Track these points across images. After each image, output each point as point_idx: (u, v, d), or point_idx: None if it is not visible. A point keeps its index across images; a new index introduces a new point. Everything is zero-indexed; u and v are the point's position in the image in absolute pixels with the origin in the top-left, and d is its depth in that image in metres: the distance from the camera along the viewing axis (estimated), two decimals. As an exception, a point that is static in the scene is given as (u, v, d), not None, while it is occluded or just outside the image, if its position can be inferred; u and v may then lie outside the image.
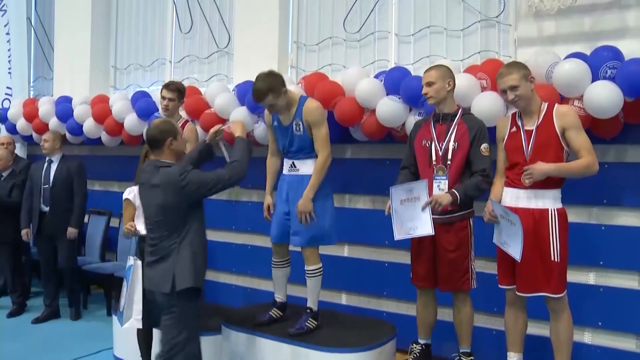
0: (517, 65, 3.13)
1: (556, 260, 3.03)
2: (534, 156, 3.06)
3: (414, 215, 3.20)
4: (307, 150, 3.58)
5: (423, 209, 3.18)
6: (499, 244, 3.18)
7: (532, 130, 3.10)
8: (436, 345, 3.59)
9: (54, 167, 5.20)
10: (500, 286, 3.25)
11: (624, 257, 3.60)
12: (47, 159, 5.25)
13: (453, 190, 3.23)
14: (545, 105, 3.13)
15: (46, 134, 5.35)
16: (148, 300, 3.37)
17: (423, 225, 3.17)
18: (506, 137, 3.22)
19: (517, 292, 3.15)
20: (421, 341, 3.53)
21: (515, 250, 3.03)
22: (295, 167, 3.62)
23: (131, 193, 3.66)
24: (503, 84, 3.10)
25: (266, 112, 3.74)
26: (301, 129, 3.53)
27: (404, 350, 3.76)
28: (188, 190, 3.01)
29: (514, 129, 3.19)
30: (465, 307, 3.36)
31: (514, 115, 3.24)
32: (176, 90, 4.21)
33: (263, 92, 3.41)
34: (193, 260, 3.06)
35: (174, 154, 3.18)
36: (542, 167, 2.99)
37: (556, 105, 3.16)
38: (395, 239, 3.31)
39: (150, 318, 3.52)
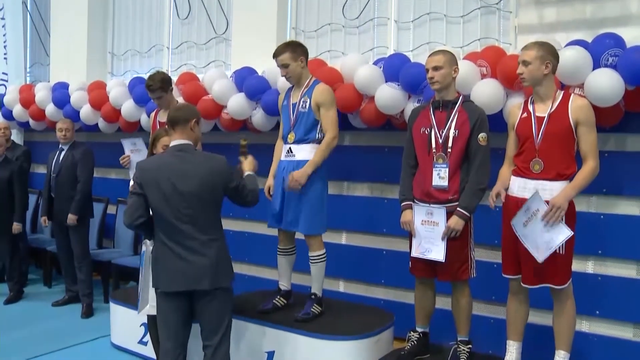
0: (541, 45, 3.04)
1: (561, 252, 2.99)
2: (544, 144, 3.00)
3: (431, 239, 3.26)
4: (306, 132, 3.60)
5: (443, 238, 3.20)
6: (521, 236, 3.02)
7: (544, 117, 3.04)
8: (434, 333, 3.58)
9: (62, 154, 5.16)
10: (504, 275, 3.22)
11: (622, 246, 3.60)
12: (59, 147, 5.20)
13: (461, 210, 3.19)
14: (560, 94, 3.07)
15: (64, 123, 5.18)
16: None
17: (437, 251, 3.23)
18: (517, 123, 3.15)
19: (522, 284, 3.12)
20: (419, 329, 3.51)
21: (541, 253, 2.94)
22: (291, 152, 3.64)
23: None
24: (520, 56, 3.08)
25: (280, 94, 3.84)
26: (307, 107, 3.60)
27: (401, 338, 3.75)
28: (231, 186, 2.99)
29: (525, 114, 3.12)
30: (463, 296, 3.34)
31: (526, 101, 3.19)
32: (158, 88, 4.12)
33: (281, 48, 3.65)
34: (227, 255, 3.02)
35: (195, 138, 3.05)
36: (561, 197, 2.92)
37: (573, 95, 3.10)
38: (411, 254, 3.35)
39: None
